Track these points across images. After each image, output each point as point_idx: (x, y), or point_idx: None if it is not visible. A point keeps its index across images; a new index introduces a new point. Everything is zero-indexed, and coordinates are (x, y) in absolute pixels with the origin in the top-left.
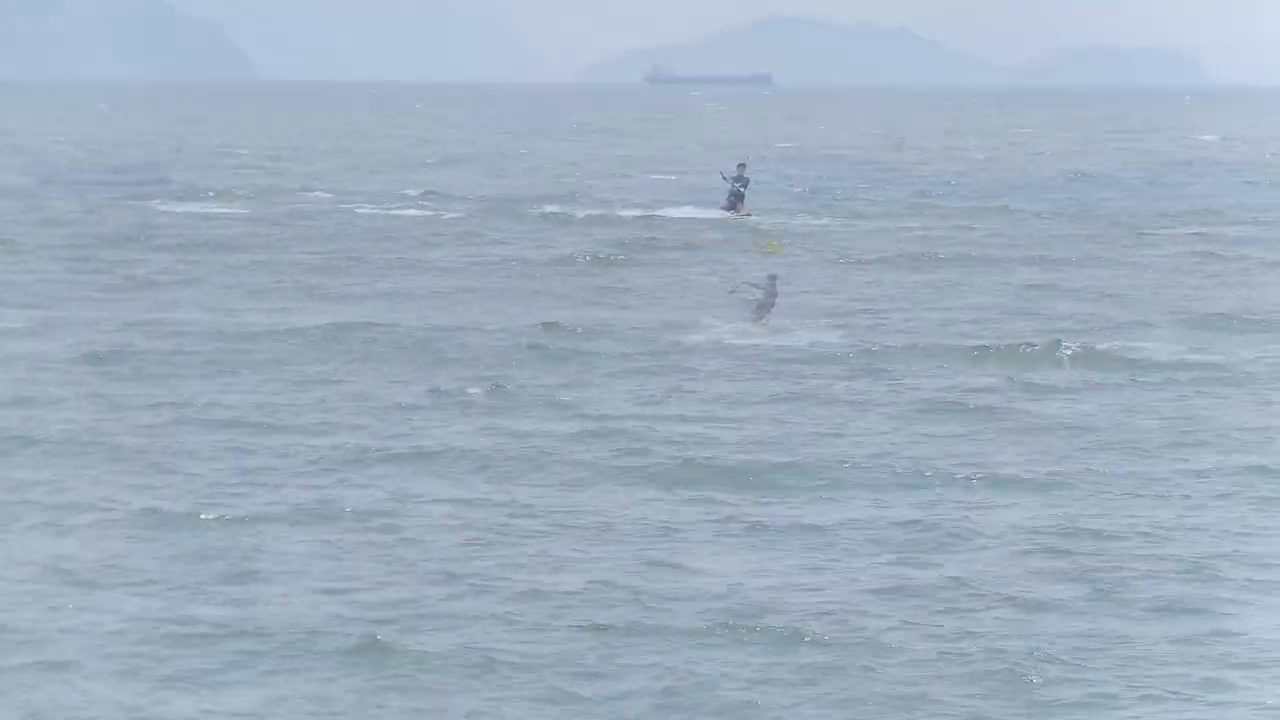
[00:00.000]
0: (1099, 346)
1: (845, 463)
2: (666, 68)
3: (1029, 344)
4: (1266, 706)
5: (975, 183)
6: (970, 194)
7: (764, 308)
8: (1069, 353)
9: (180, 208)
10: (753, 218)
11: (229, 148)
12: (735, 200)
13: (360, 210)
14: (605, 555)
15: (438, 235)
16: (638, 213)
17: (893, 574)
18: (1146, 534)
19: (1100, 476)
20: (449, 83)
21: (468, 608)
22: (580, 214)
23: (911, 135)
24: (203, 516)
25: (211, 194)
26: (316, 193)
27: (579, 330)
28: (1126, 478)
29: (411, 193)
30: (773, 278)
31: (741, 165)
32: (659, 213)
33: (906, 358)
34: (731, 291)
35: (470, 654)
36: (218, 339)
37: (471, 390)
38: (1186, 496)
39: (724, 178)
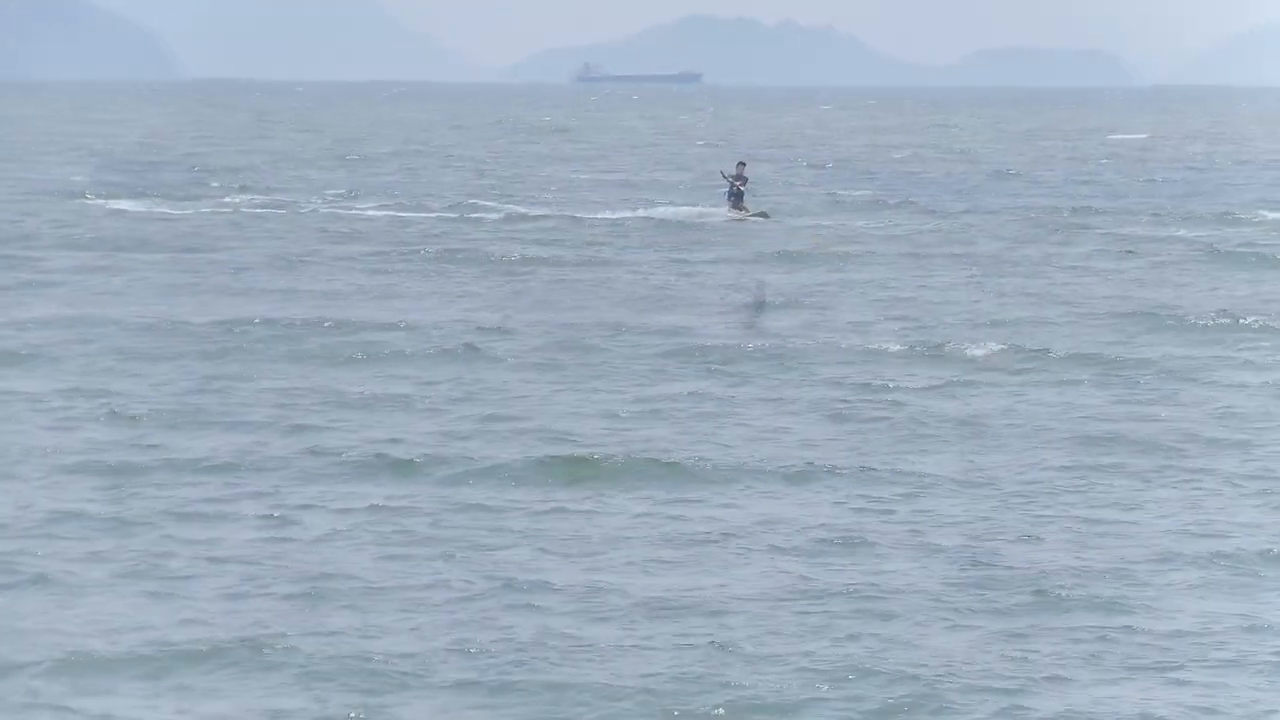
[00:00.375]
0: (1018, 344)
1: (759, 461)
2: (596, 67)
3: (949, 341)
4: (1186, 704)
5: (898, 181)
6: (892, 192)
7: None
8: (988, 350)
9: (98, 204)
10: (763, 217)
11: (151, 145)
12: (736, 200)
13: (280, 208)
14: (511, 553)
15: (358, 233)
16: (560, 211)
17: (801, 574)
18: (1063, 532)
19: (1018, 474)
20: (374, 81)
21: (366, 608)
22: (500, 212)
23: (834, 134)
24: (109, 514)
25: (131, 191)
26: (237, 190)
27: (497, 328)
28: (1045, 475)
29: (332, 191)
30: (741, 164)
31: (741, 164)
32: (581, 213)
33: (823, 355)
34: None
35: (365, 656)
36: (132, 336)
37: (387, 389)
38: (1104, 495)
39: (724, 176)
